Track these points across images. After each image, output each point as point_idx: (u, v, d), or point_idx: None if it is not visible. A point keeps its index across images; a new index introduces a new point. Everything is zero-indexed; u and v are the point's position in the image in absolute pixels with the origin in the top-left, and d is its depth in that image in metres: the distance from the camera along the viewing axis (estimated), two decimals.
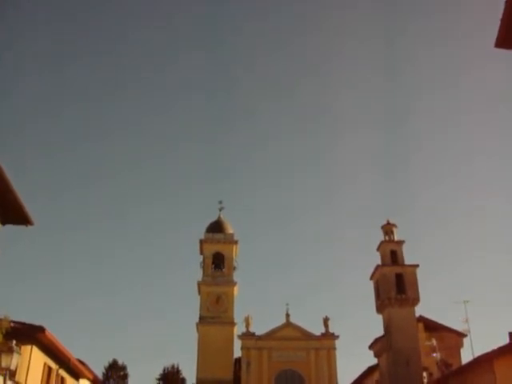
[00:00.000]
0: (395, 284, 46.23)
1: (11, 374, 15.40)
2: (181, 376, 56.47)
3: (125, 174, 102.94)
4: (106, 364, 56.61)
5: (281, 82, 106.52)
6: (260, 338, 47.24)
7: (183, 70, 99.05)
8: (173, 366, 57.29)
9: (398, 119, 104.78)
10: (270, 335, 47.62)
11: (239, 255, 53.57)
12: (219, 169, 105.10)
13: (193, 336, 49.09)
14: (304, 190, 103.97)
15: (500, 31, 9.85)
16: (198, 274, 51.20)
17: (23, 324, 18.86)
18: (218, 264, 51.40)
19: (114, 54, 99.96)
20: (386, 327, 46.55)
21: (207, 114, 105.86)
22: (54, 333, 20.42)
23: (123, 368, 56.13)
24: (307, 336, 47.83)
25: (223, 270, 50.97)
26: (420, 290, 46.36)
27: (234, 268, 51.32)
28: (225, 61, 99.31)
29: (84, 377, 28.18)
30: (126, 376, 55.77)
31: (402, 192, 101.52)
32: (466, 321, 41.41)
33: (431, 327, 45.39)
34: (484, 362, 22.35)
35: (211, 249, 51.30)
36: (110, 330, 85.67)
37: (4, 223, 16.01)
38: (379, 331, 47.89)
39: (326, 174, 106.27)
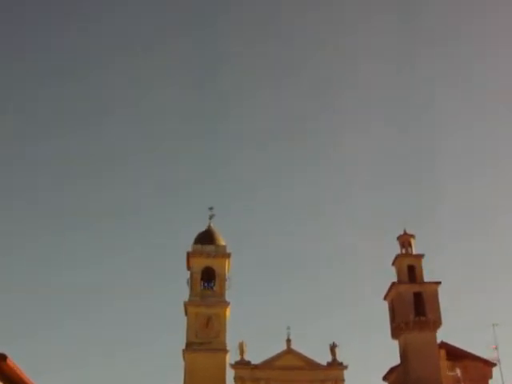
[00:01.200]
0: (413, 304, 46.92)
1: None
2: None
3: (94, 173, 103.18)
4: None
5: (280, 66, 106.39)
6: (256, 367, 47.58)
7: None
8: None
9: (414, 113, 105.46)
10: (269, 364, 47.92)
11: (233, 271, 53.58)
12: (209, 169, 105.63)
13: (178, 365, 49.27)
14: (307, 194, 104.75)
15: None
16: (185, 293, 51.21)
17: None
18: (207, 281, 51.58)
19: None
20: (403, 355, 47.10)
21: (197, 105, 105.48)
22: (20, 362, 20.41)
23: None
24: (311, 365, 48.07)
25: (214, 287, 51.14)
26: (442, 312, 47.26)
27: (227, 286, 51.32)
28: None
29: None
30: None
31: (421, 197, 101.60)
32: (496, 347, 42.81)
33: (455, 355, 46.14)
34: None
35: (200, 263, 51.44)
36: (83, 359, 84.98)
37: None
38: (395, 359, 48.83)
39: (331, 175, 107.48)
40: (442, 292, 47.93)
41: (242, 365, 47.21)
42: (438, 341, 46.42)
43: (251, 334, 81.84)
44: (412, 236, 50.29)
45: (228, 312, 49.83)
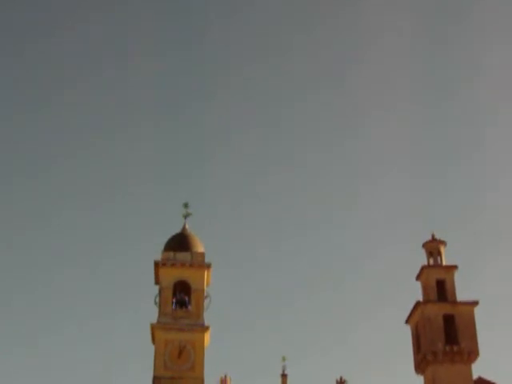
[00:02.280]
0: (443, 330, 45.62)
1: None
2: None
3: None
4: None
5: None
6: None
7: None
8: None
9: (446, 91, 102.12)
10: None
11: (213, 286, 51.69)
12: (183, 156, 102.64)
13: None
14: (309, 191, 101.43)
15: None
16: (152, 314, 48.97)
17: None
18: (181, 298, 49.43)
19: None
20: None
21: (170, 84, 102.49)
22: None
23: None
24: None
25: (189, 307, 49.03)
26: (479, 340, 45.81)
27: (206, 305, 49.20)
28: None
29: None
30: None
31: (452, 195, 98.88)
32: None
33: None
34: None
35: (172, 275, 49.32)
36: None
37: None
38: None
39: (341, 168, 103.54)
40: (479, 314, 46.59)
41: None
42: (475, 376, 44.99)
43: (236, 366, 78.21)
44: (442, 243, 48.95)
45: (207, 338, 47.88)
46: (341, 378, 46.42)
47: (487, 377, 45.37)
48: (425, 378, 46.12)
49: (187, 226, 52.15)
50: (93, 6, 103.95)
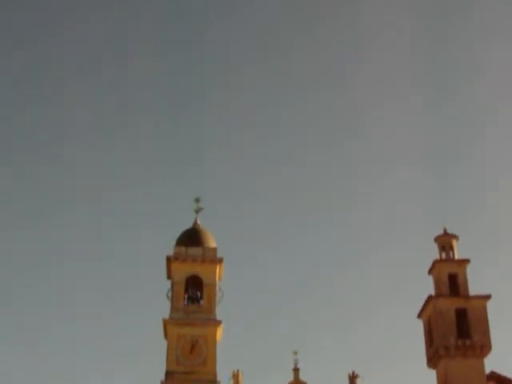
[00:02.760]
0: (456, 324, 45.67)
1: None
2: None
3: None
4: None
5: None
6: None
7: None
8: None
9: (446, 91, 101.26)
10: None
11: (225, 280, 51.55)
12: (195, 151, 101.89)
13: None
14: (321, 184, 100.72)
15: None
16: (165, 309, 48.88)
17: None
18: (193, 293, 49.42)
19: None
20: None
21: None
22: None
23: None
24: None
25: (201, 302, 49.06)
26: (492, 334, 45.76)
27: (218, 299, 49.18)
28: None
29: None
30: None
31: (466, 187, 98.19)
32: None
33: None
34: None
35: (184, 270, 49.23)
36: None
37: None
38: None
39: (350, 161, 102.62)
40: (491, 308, 46.57)
41: None
42: (487, 370, 44.95)
43: (248, 360, 78.66)
44: (454, 237, 48.97)
45: (219, 333, 47.77)
46: (353, 373, 46.39)
47: (500, 371, 45.23)
48: (437, 373, 46.14)
49: (199, 221, 52.10)
50: (93, 6, 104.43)
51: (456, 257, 48.13)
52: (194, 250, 49.42)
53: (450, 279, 46.96)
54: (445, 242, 48.54)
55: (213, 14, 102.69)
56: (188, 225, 51.93)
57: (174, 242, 50.70)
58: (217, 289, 49.13)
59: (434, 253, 48.65)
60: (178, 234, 51.37)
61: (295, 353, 47.59)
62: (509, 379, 44.84)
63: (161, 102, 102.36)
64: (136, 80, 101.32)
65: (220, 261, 49.57)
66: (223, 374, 46.34)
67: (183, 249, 49.51)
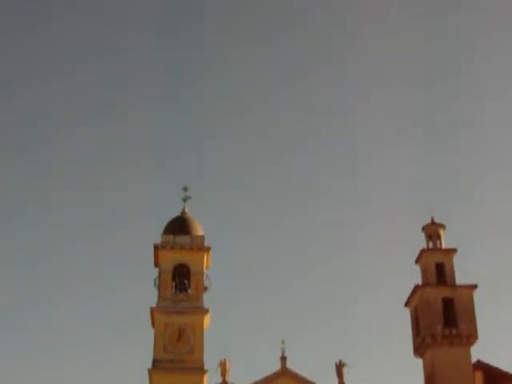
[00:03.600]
0: (442, 313, 45.87)
1: None
2: None
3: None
4: None
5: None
6: None
7: None
8: None
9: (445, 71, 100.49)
10: None
11: (213, 269, 51.72)
12: (184, 139, 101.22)
13: None
14: (308, 170, 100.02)
15: None
16: (152, 297, 49.13)
17: None
18: (181, 281, 49.73)
19: None
20: (429, 377, 45.94)
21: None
22: None
23: None
24: None
25: (189, 290, 49.30)
26: (478, 323, 45.99)
27: (205, 288, 49.52)
28: None
29: None
30: None
31: (453, 177, 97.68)
32: None
33: (494, 377, 45.14)
34: None
35: (171, 259, 49.42)
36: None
37: None
38: (418, 383, 47.44)
39: (339, 148, 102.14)
40: (478, 298, 46.82)
41: None
42: (473, 359, 45.17)
43: (236, 349, 78.86)
44: (441, 226, 49.09)
45: (206, 321, 48.04)
46: (340, 361, 46.23)
47: (486, 360, 45.38)
48: (424, 361, 46.39)
49: (186, 210, 52.20)
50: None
51: (443, 246, 48.27)
52: (181, 239, 49.53)
53: (437, 268, 47.04)
54: (432, 231, 48.62)
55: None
56: (176, 213, 52.09)
57: (161, 231, 50.77)
58: (204, 277, 49.25)
59: (421, 242, 48.87)
60: (165, 223, 51.47)
61: (283, 341, 47.29)
62: (495, 368, 44.98)
63: (150, 91, 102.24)
64: (126, 69, 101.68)
65: (207, 249, 49.67)
66: (210, 363, 46.52)
67: (171, 237, 49.62)
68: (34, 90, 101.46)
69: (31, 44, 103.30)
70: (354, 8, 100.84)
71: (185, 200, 52.54)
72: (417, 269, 48.64)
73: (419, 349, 46.42)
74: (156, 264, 50.01)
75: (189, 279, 49.03)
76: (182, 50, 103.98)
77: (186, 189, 52.70)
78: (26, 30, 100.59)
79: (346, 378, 45.78)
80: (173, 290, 48.73)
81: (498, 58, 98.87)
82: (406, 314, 48.81)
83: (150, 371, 45.69)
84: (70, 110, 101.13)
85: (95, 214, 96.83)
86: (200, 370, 45.83)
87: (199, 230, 50.80)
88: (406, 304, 48.57)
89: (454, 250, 47.71)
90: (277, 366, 46.41)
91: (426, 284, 46.63)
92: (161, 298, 48.12)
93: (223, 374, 45.41)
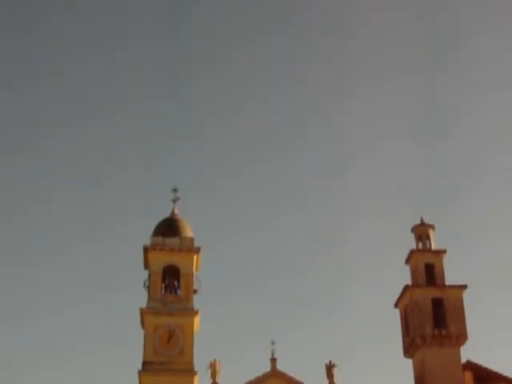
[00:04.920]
0: (432, 314, 46.01)
1: None
2: None
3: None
4: None
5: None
6: None
7: None
8: None
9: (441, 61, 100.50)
10: None
11: (202, 270, 51.85)
12: (173, 140, 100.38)
13: None
14: (295, 170, 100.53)
15: None
16: (142, 298, 49.06)
17: None
18: (170, 283, 49.68)
19: None
20: (418, 377, 46.11)
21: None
22: None
23: None
24: None
25: (178, 292, 49.18)
26: (468, 323, 46.15)
27: (195, 289, 49.40)
28: None
29: None
30: None
31: (442, 177, 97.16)
32: None
33: (484, 377, 45.12)
34: None
35: (161, 260, 49.36)
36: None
37: None
38: (408, 383, 47.41)
39: (327, 148, 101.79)
40: (467, 298, 46.98)
41: None
42: (463, 360, 45.26)
43: (226, 350, 78.69)
44: (431, 226, 49.23)
45: (196, 323, 47.96)
46: (330, 362, 46.36)
47: (476, 360, 45.42)
48: (414, 362, 46.52)
49: (176, 212, 52.12)
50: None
51: (433, 247, 48.40)
52: (171, 240, 49.45)
53: (427, 269, 47.17)
54: (421, 231, 48.74)
55: None
56: (165, 215, 51.95)
57: (151, 232, 50.60)
58: (194, 278, 49.21)
59: (410, 243, 48.96)
60: (155, 224, 51.30)
61: (272, 343, 47.37)
62: (484, 368, 45.02)
63: (139, 92, 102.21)
64: (119, 67, 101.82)
65: (197, 250, 49.61)
66: (201, 364, 46.45)
67: (160, 238, 49.51)
68: (34, 89, 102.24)
69: (31, 44, 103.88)
70: (354, 8, 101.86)
71: (174, 201, 52.43)
72: (406, 269, 48.70)
73: (409, 349, 46.50)
74: (146, 266, 49.94)
75: (178, 281, 48.90)
76: (170, 49, 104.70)
77: (175, 190, 52.60)
78: (26, 30, 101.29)
79: (336, 379, 45.85)
80: (162, 292, 48.64)
81: (494, 56, 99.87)
82: (396, 315, 49.01)
83: (139, 373, 45.53)
84: (55, 110, 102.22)
85: (84, 216, 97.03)
86: (190, 371, 45.72)
87: (189, 231, 50.73)
88: (396, 304, 48.68)
89: (443, 251, 47.84)
90: (267, 368, 46.45)
91: (415, 284, 46.76)
92: (150, 299, 48.01)
93: (213, 375, 45.41)
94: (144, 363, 45.80)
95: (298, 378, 46.25)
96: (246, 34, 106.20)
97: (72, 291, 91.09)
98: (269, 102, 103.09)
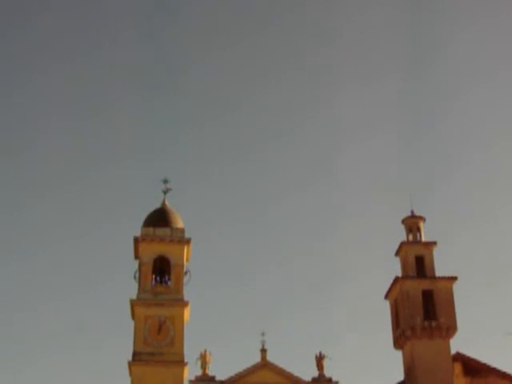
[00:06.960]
0: (422, 306, 46.08)
1: None
2: None
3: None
4: None
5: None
6: (223, 383, 45.86)
7: None
8: None
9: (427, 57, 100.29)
10: (239, 380, 46.14)
11: (193, 261, 51.73)
12: (165, 131, 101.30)
13: (124, 381, 47.11)
14: (285, 161, 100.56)
15: None
16: (132, 289, 49.07)
17: None
18: (161, 274, 49.72)
19: None
20: (408, 369, 46.23)
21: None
22: None
23: None
24: (292, 382, 46.34)
25: (169, 282, 49.22)
26: (458, 315, 46.26)
27: (186, 280, 49.35)
28: None
29: None
30: None
31: (433, 170, 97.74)
32: None
33: (473, 369, 45.52)
34: None
35: (151, 251, 49.36)
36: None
37: None
38: (398, 374, 47.83)
39: (315, 139, 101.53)
40: (457, 290, 47.09)
41: (204, 381, 45.52)
42: (453, 351, 45.39)
43: (216, 341, 78.32)
44: (421, 219, 49.20)
45: (187, 314, 48.11)
46: (320, 353, 46.43)
47: (465, 352, 45.66)
48: (403, 353, 46.67)
49: (167, 202, 52.09)
50: None
51: (423, 239, 48.46)
52: (161, 231, 49.46)
53: (417, 261, 47.24)
54: (412, 223, 48.76)
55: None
56: (156, 205, 51.93)
57: (141, 223, 50.62)
58: (184, 269, 49.22)
59: (401, 234, 49.00)
60: (146, 215, 51.32)
61: (263, 334, 47.35)
62: (474, 360, 45.24)
63: (127, 85, 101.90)
64: (113, 55, 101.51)
65: (188, 241, 49.64)
66: (191, 355, 46.54)
67: (151, 229, 49.52)
68: (34, 89, 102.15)
69: (31, 44, 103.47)
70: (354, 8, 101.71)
71: (165, 192, 52.38)
72: (397, 261, 48.79)
73: (399, 341, 46.53)
74: (136, 256, 49.95)
75: (169, 271, 48.92)
76: (156, 49, 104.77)
77: (166, 181, 52.50)
78: (25, 29, 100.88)
79: (326, 370, 45.97)
80: (153, 283, 48.62)
81: (479, 53, 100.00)
82: (386, 307, 49.06)
83: (129, 363, 45.68)
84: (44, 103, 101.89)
85: (74, 206, 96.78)
86: (180, 362, 45.90)
87: (179, 222, 50.73)
88: (386, 296, 48.71)
89: (433, 243, 47.91)
90: (257, 359, 46.50)
91: (405, 276, 46.82)
92: (141, 290, 48.01)
93: (203, 366, 45.46)
94: (134, 354, 45.89)
95: (288, 368, 46.29)
96: (236, 30, 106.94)
97: (62, 281, 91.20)
98: (257, 95, 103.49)
